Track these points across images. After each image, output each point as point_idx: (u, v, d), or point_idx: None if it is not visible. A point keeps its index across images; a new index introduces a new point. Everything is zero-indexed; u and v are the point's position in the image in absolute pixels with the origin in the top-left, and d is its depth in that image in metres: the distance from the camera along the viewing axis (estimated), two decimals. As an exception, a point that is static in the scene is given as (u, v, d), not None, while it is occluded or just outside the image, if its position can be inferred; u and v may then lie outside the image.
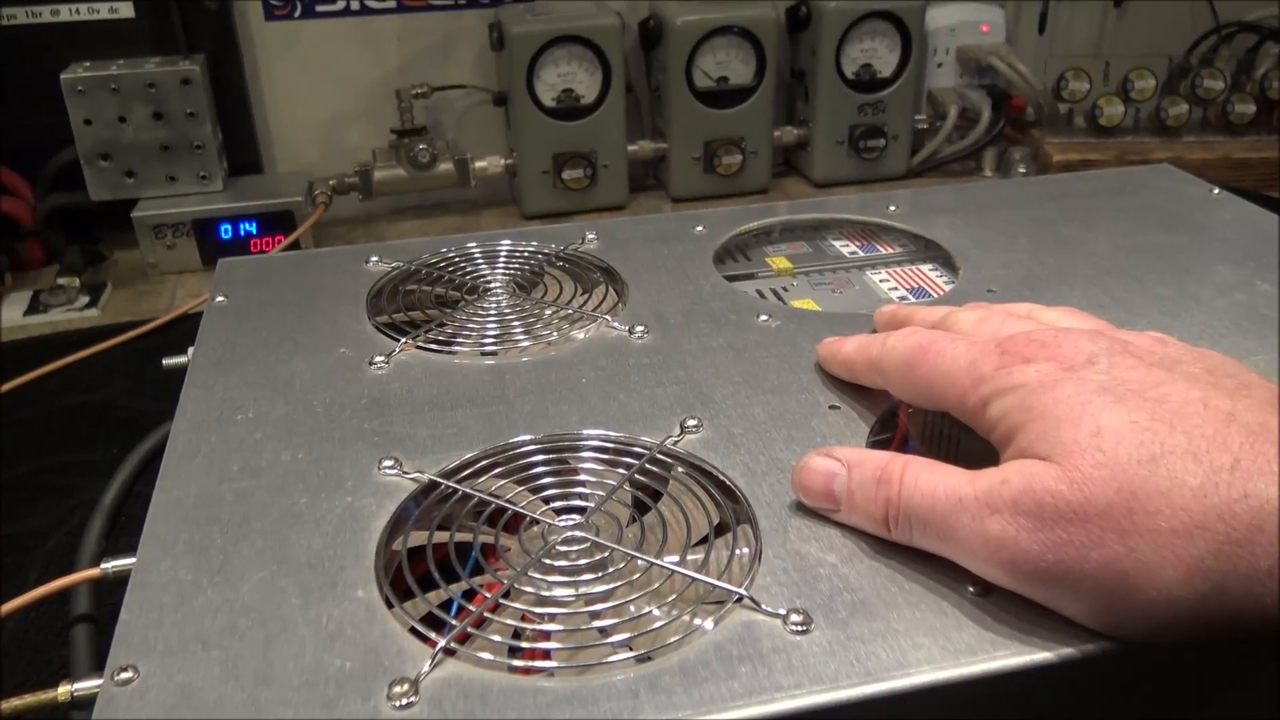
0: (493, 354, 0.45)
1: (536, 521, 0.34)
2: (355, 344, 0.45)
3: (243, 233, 0.90)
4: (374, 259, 0.53)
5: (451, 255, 0.53)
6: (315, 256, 0.55)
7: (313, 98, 0.98)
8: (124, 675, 0.29)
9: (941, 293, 0.51)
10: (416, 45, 0.98)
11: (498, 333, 0.46)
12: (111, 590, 0.50)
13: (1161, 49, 1.04)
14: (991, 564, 0.29)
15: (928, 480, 0.31)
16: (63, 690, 0.38)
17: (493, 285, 0.51)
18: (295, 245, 0.90)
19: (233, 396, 0.42)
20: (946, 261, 0.54)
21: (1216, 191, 0.59)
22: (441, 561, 0.32)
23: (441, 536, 0.34)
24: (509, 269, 0.52)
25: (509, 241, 0.54)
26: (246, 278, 0.52)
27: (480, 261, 0.53)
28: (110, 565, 0.43)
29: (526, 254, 0.53)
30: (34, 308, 0.83)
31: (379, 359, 0.44)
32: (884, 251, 0.56)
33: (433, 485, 0.36)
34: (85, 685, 0.37)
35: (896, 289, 0.52)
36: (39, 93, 0.88)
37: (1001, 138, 1.03)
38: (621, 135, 0.96)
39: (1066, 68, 0.99)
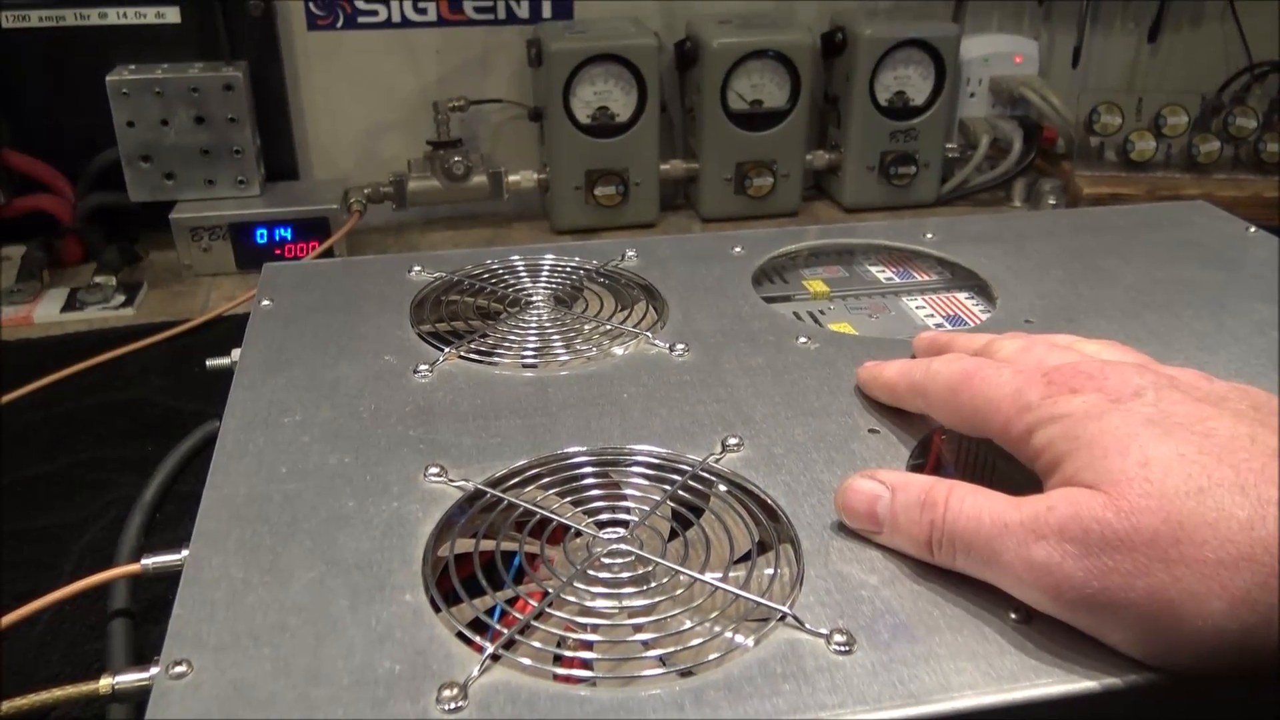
0: (533, 366, 0.45)
1: (580, 533, 0.35)
2: (399, 352, 0.46)
3: (278, 238, 0.91)
4: (416, 268, 0.53)
5: (494, 267, 0.53)
6: (358, 264, 0.56)
7: (350, 107, 0.99)
8: (178, 669, 0.29)
9: (978, 321, 0.51)
10: (455, 59, 0.99)
11: (538, 346, 0.47)
12: (148, 586, 0.51)
13: (1194, 86, 1.04)
14: (1036, 589, 0.29)
15: (973, 505, 0.31)
16: (104, 683, 0.39)
17: (534, 299, 0.51)
18: (329, 252, 0.91)
19: (280, 399, 0.42)
20: (983, 290, 0.54)
21: (1252, 230, 0.59)
22: (486, 569, 0.33)
23: (487, 544, 0.34)
24: (550, 283, 0.53)
25: (551, 256, 0.55)
26: (291, 282, 0.53)
27: (521, 275, 0.53)
28: (150, 561, 0.44)
29: (568, 269, 0.54)
30: (71, 305, 0.84)
31: (423, 367, 0.44)
32: (920, 278, 0.57)
33: (478, 494, 0.36)
34: (126, 678, 0.38)
35: (933, 315, 0.52)
36: (83, 94, 0.89)
37: (1032, 169, 1.03)
38: (654, 154, 0.97)
39: (1099, 101, 1.00)
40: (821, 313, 0.53)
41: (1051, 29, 1.09)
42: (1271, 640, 0.26)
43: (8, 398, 0.71)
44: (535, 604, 0.32)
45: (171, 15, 0.91)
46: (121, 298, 0.86)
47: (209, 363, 0.53)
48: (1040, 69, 1.07)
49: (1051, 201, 1.00)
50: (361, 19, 0.96)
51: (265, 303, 0.50)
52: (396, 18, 0.97)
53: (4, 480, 0.63)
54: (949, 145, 1.03)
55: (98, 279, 0.86)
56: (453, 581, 0.32)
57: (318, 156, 1.00)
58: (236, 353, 0.51)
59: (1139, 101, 1.00)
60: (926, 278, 0.57)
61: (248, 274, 0.91)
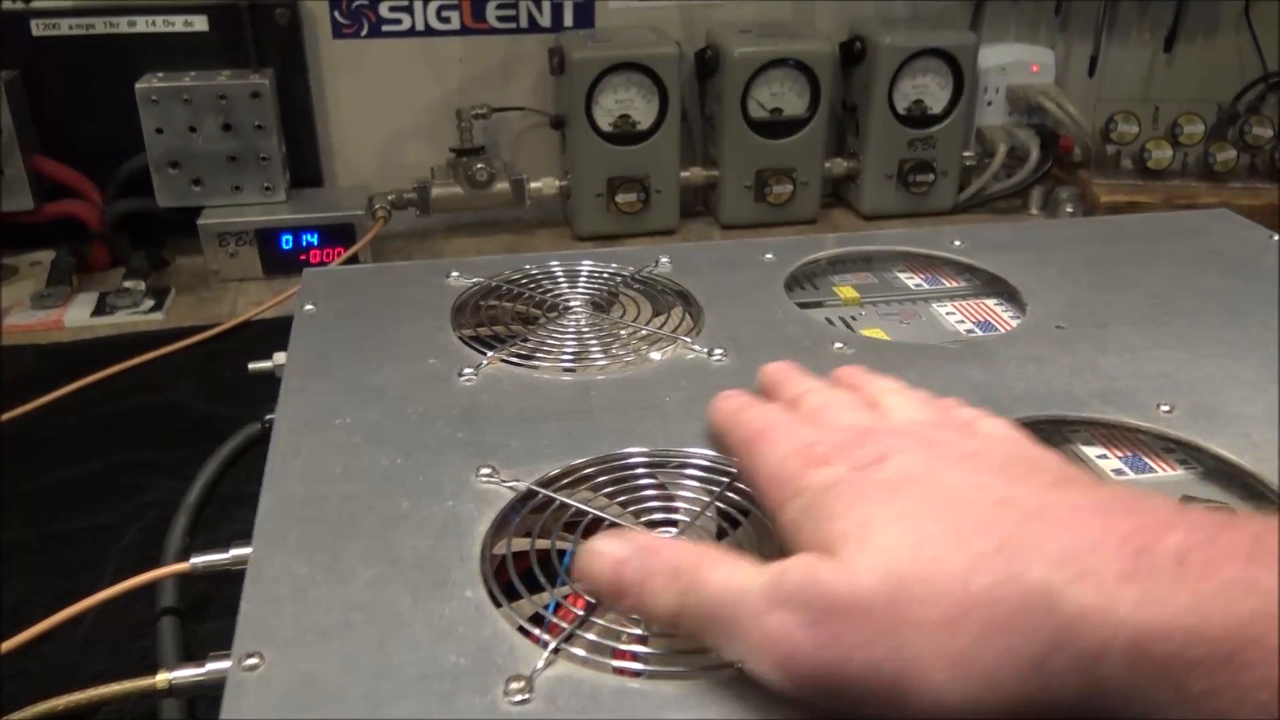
0: (572, 370, 0.46)
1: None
2: (441, 355, 0.47)
3: (304, 243, 0.92)
4: (454, 273, 0.54)
5: (532, 272, 0.54)
6: (396, 269, 0.57)
7: (374, 114, 1.00)
8: (250, 661, 0.30)
9: (1009, 327, 0.52)
10: (477, 67, 1.00)
11: (578, 350, 0.48)
12: (191, 585, 0.51)
13: (1209, 95, 1.05)
14: (770, 662, 0.27)
15: (721, 574, 0.29)
16: (161, 678, 0.39)
17: (571, 304, 0.52)
18: (354, 258, 0.92)
19: (328, 402, 0.43)
20: (1012, 296, 0.55)
21: (1275, 237, 0.60)
22: (541, 566, 0.34)
23: (542, 543, 0.35)
24: (586, 289, 0.54)
25: (589, 262, 0.56)
26: (331, 287, 0.53)
27: (558, 280, 0.54)
28: (199, 560, 0.45)
29: (603, 275, 0.55)
30: (101, 309, 0.85)
31: (468, 371, 0.45)
32: (948, 285, 0.58)
33: (530, 493, 0.37)
34: (183, 674, 0.39)
35: (963, 321, 0.53)
36: (112, 101, 0.90)
37: (1048, 177, 1.04)
38: (675, 161, 0.98)
39: (1116, 110, 1.00)
40: (853, 318, 0.54)
41: (1068, 39, 1.10)
42: (1004, 702, 0.24)
43: (41, 401, 0.72)
44: (590, 599, 0.32)
45: (200, 24, 0.92)
46: (150, 302, 0.87)
47: (251, 366, 0.54)
48: (1056, 78, 1.08)
49: (1069, 209, 1.01)
50: (386, 28, 0.97)
51: (308, 307, 0.51)
52: (420, 26, 0.98)
53: (39, 483, 0.64)
54: (966, 153, 1.04)
55: (127, 284, 0.87)
56: (511, 578, 0.33)
57: (341, 163, 1.01)
58: (279, 356, 0.52)
59: (1155, 110, 1.01)
60: (955, 284, 0.58)
61: (274, 279, 0.92)
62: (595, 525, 0.36)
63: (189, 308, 0.88)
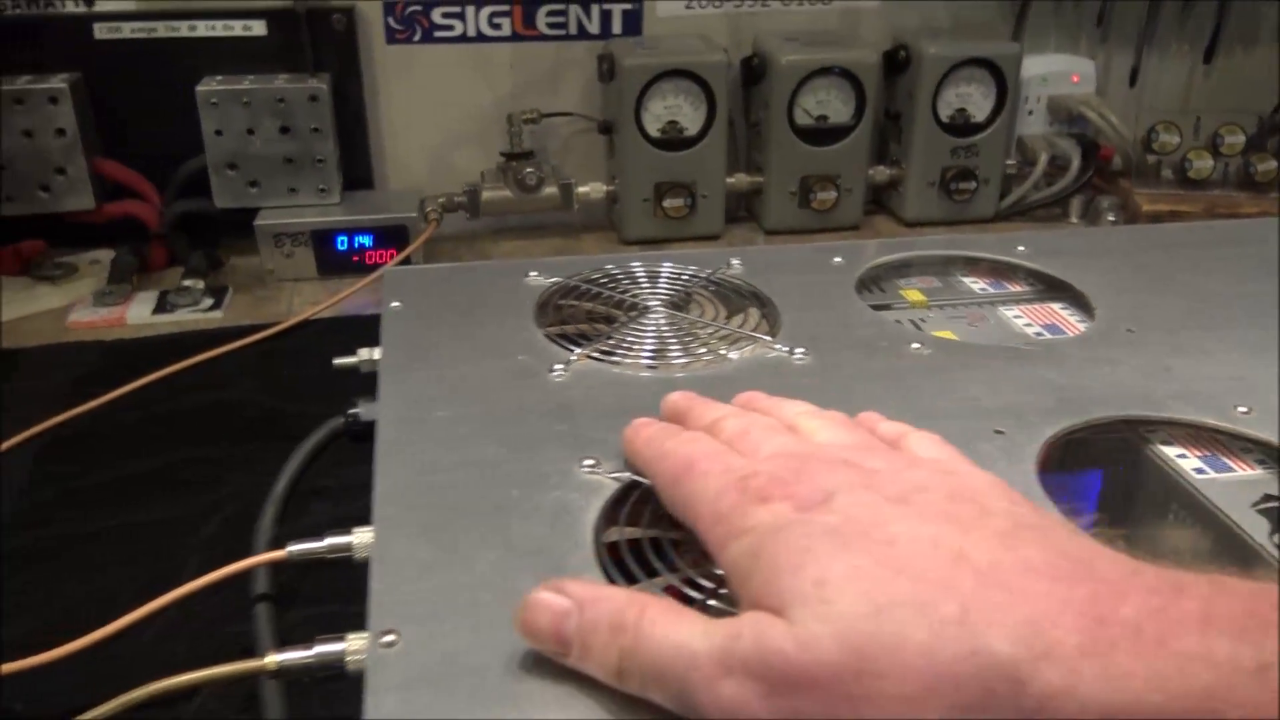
0: (654, 368, 0.48)
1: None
2: (529, 352, 0.48)
3: (357, 245, 0.93)
4: (533, 273, 0.56)
5: (612, 271, 0.56)
6: (475, 269, 0.58)
7: (425, 119, 1.02)
8: (388, 638, 0.31)
9: (1076, 331, 0.53)
10: (527, 73, 1.01)
11: (658, 348, 0.49)
12: (281, 572, 0.52)
13: (1248, 106, 1.06)
14: None
15: (664, 630, 0.28)
16: (270, 659, 0.41)
17: (648, 304, 0.53)
18: (407, 260, 0.93)
19: (427, 395, 0.45)
20: (1077, 301, 0.56)
21: (1331, 246, 0.61)
22: (655, 553, 0.35)
23: (651, 532, 0.36)
24: (662, 289, 0.55)
25: (663, 264, 0.57)
26: (415, 286, 0.55)
27: (634, 281, 0.56)
28: (296, 548, 0.46)
29: (679, 276, 0.56)
30: (161, 307, 0.87)
31: (558, 367, 0.47)
32: (1013, 289, 0.59)
33: (634, 484, 0.38)
34: (290, 655, 0.40)
35: (1030, 325, 0.54)
36: (170, 104, 0.92)
37: (1089, 186, 1.05)
38: (721, 167, 0.99)
39: (1157, 121, 1.02)
40: (922, 320, 0.55)
41: (1108, 50, 1.11)
42: None
43: (109, 397, 0.73)
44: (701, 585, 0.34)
45: (258, 28, 0.94)
46: (210, 301, 0.88)
47: (336, 361, 0.55)
48: (1097, 88, 1.09)
49: (1110, 218, 1.02)
50: (438, 33, 0.99)
51: (394, 304, 0.53)
52: (472, 32, 0.99)
53: (107, 477, 0.65)
54: (1008, 162, 1.05)
55: (186, 283, 0.89)
56: (627, 564, 0.34)
57: (392, 167, 1.03)
58: (363, 351, 0.54)
59: (1196, 121, 1.02)
60: (1019, 289, 0.59)
61: (328, 280, 0.93)
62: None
63: (247, 306, 0.89)
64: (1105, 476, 0.44)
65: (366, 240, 0.93)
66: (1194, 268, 0.59)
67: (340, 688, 0.36)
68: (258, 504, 0.62)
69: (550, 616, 0.29)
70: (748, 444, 0.34)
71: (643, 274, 0.56)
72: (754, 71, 0.99)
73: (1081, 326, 0.54)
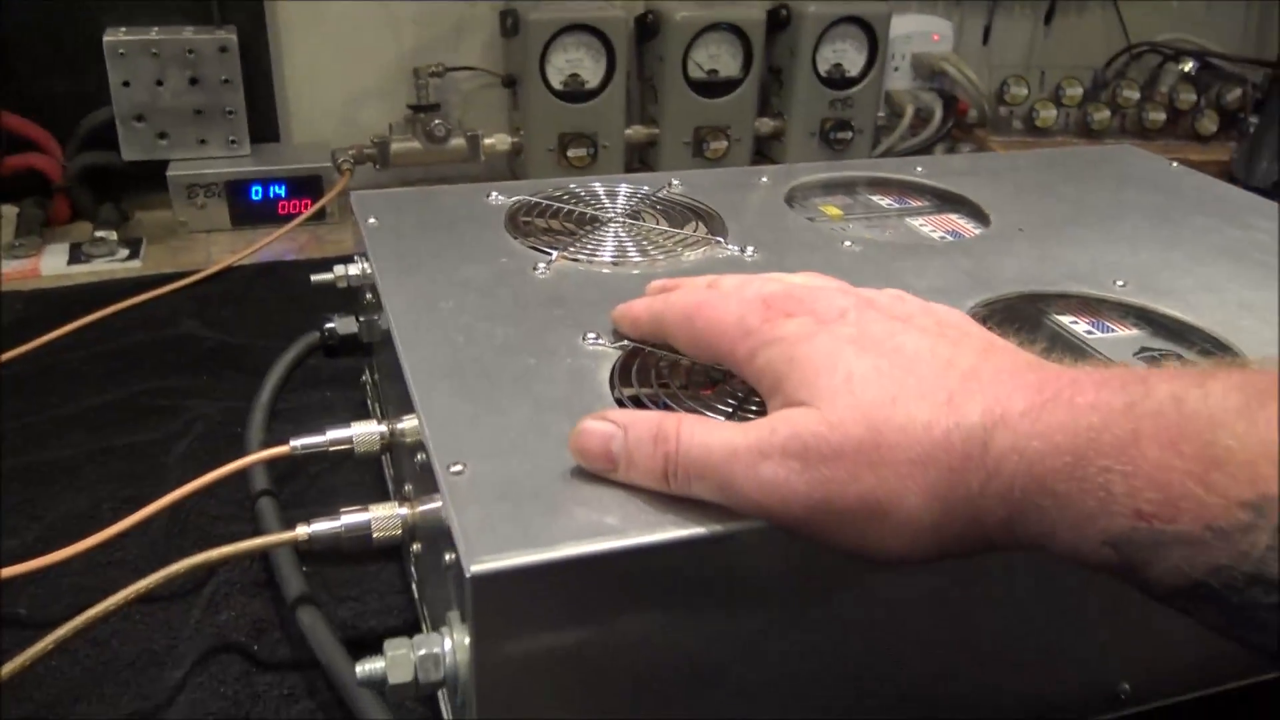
0: (620, 267, 0.53)
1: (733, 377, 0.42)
2: (510, 256, 0.53)
3: (272, 195, 0.95)
4: (494, 194, 0.60)
5: (573, 189, 0.61)
6: (438, 192, 0.62)
7: (328, 73, 1.03)
8: (456, 468, 0.36)
9: (974, 234, 0.61)
10: (430, 29, 1.04)
11: (625, 253, 0.54)
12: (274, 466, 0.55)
13: (1084, 61, 1.19)
14: (767, 506, 0.32)
15: (703, 434, 0.34)
16: (300, 531, 0.45)
17: (606, 216, 0.59)
18: (322, 211, 0.95)
19: (428, 291, 0.49)
20: (974, 211, 0.64)
21: (1174, 164, 0.71)
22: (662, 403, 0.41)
23: (658, 389, 0.42)
24: (614, 205, 0.60)
25: (612, 184, 0.62)
26: (385, 206, 0.58)
27: (587, 198, 0.61)
28: (299, 443, 0.50)
29: (628, 194, 0.61)
30: (76, 258, 0.87)
31: (541, 265, 0.51)
32: (915, 204, 0.67)
33: (636, 351, 0.44)
34: (322, 526, 0.44)
35: (935, 231, 0.62)
36: (72, 55, 0.91)
37: (949, 136, 1.16)
38: (621, 118, 1.05)
39: (1009, 75, 1.13)
40: (844, 229, 0.62)
41: (962, 11, 1.21)
42: (956, 529, 0.30)
43: (54, 335, 0.74)
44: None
45: (161, -21, 0.94)
46: (125, 251, 0.88)
47: (314, 278, 0.58)
48: (954, 45, 1.19)
49: (971, 163, 1.13)
50: (342, -12, 1.01)
51: (371, 220, 0.56)
52: (375, -12, 1.02)
53: (70, 410, 0.66)
54: (878, 114, 1.14)
55: (99, 234, 0.89)
56: (646, 408, 0.40)
57: (296, 120, 1.04)
58: (338, 268, 0.57)
59: (1041, 75, 1.14)
60: (921, 203, 0.67)
61: (242, 230, 0.94)
62: (689, 371, 0.42)
63: (164, 256, 0.90)
64: (1017, 338, 0.52)
65: (281, 190, 0.95)
66: (1066, 181, 0.68)
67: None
68: (225, 426, 0.65)
69: (599, 439, 0.35)
70: (750, 289, 0.39)
71: (597, 193, 0.61)
72: (649, 28, 1.05)
73: (978, 231, 0.62)
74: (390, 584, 0.53)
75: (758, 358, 0.35)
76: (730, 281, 0.41)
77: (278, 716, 0.45)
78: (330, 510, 0.43)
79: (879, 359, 0.33)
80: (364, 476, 0.61)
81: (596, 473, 0.35)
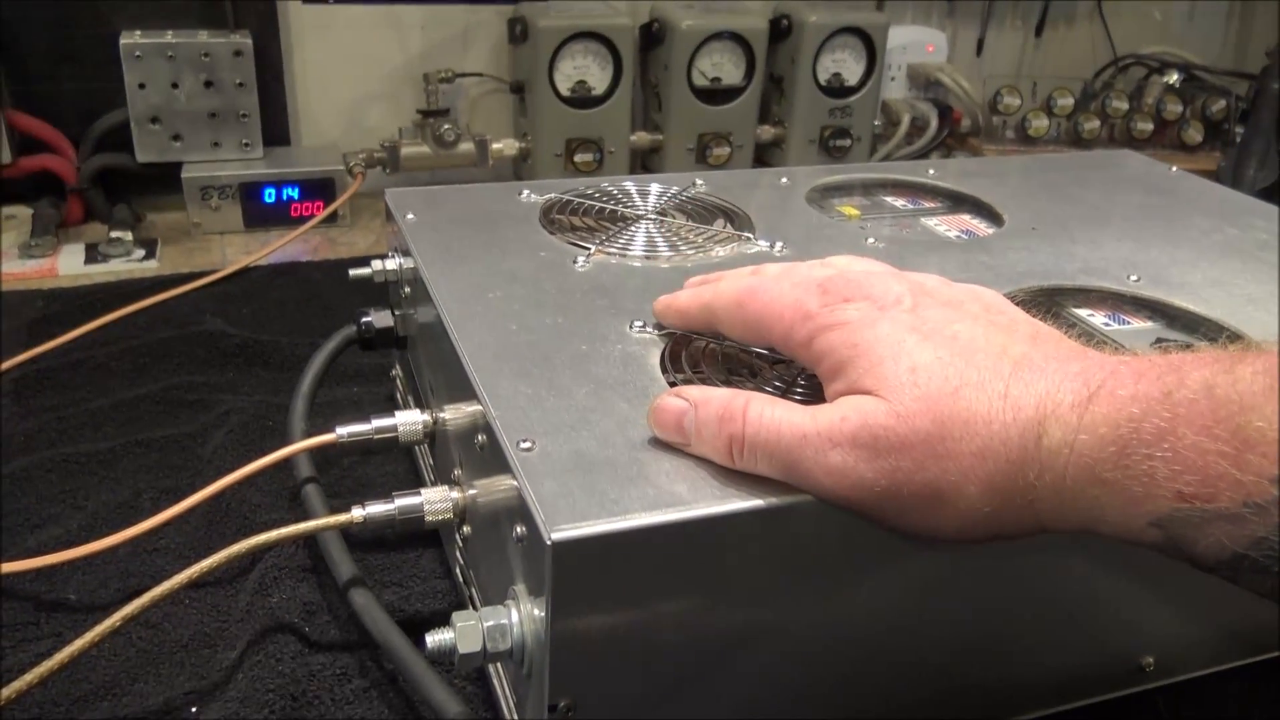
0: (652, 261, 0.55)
1: (780, 362, 0.44)
2: (549, 250, 0.54)
3: (285, 197, 0.96)
4: (526, 192, 0.62)
5: (603, 186, 0.62)
6: (471, 190, 0.63)
7: (338, 78, 1.05)
8: (525, 444, 0.37)
9: (988, 233, 0.63)
10: (438, 35, 1.06)
11: (658, 248, 0.56)
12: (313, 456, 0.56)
13: (1073, 73, 1.22)
14: (835, 491, 0.34)
15: (771, 416, 0.35)
16: (356, 513, 0.46)
17: (636, 213, 0.60)
18: (335, 215, 0.96)
19: (475, 282, 0.50)
20: (987, 212, 0.66)
21: (1174, 169, 0.74)
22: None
23: (707, 373, 0.43)
24: (645, 203, 0.62)
25: (640, 183, 0.64)
26: (421, 202, 0.60)
27: (618, 197, 0.63)
28: (345, 430, 0.51)
29: (656, 193, 0.63)
30: (92, 258, 0.88)
31: (580, 258, 0.53)
32: (929, 205, 0.69)
33: (685, 338, 0.45)
34: (376, 509, 0.45)
35: (951, 231, 0.64)
36: (87, 58, 0.92)
37: (943, 144, 1.18)
38: (627, 124, 1.07)
39: (1002, 85, 1.16)
40: (862, 229, 0.64)
41: (955, 23, 1.24)
42: (1011, 515, 0.32)
43: (80, 331, 0.74)
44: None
45: (176, -15, 0.95)
46: (141, 252, 0.89)
47: (352, 272, 0.60)
48: (948, 57, 1.22)
49: (966, 170, 1.15)
50: (352, -5, 1.02)
51: (409, 216, 0.58)
52: (385, -6, 1.03)
53: (103, 403, 0.67)
54: (875, 123, 1.17)
55: (115, 234, 0.90)
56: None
57: (306, 124, 1.05)
58: (375, 263, 0.59)
59: (1034, 85, 1.17)
60: (934, 204, 0.69)
61: (254, 232, 0.96)
62: (731, 357, 0.44)
63: (180, 257, 0.91)
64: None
65: (294, 193, 0.96)
66: (1072, 184, 0.71)
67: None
68: (258, 419, 0.66)
69: (673, 415, 0.37)
70: (798, 274, 0.40)
71: (628, 190, 0.63)
72: (654, 36, 1.07)
73: (991, 230, 0.64)
74: (431, 570, 0.54)
75: (817, 341, 0.36)
76: (774, 268, 0.42)
77: (333, 694, 0.46)
78: (365, 499, 0.45)
79: (939, 349, 0.34)
80: (396, 468, 0.62)
81: (671, 444, 0.37)
